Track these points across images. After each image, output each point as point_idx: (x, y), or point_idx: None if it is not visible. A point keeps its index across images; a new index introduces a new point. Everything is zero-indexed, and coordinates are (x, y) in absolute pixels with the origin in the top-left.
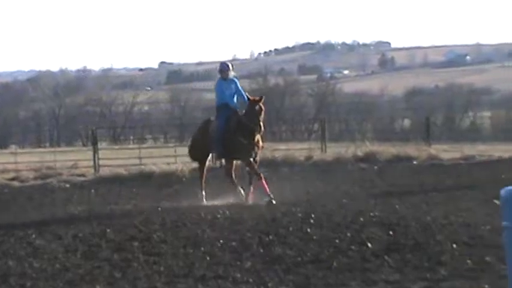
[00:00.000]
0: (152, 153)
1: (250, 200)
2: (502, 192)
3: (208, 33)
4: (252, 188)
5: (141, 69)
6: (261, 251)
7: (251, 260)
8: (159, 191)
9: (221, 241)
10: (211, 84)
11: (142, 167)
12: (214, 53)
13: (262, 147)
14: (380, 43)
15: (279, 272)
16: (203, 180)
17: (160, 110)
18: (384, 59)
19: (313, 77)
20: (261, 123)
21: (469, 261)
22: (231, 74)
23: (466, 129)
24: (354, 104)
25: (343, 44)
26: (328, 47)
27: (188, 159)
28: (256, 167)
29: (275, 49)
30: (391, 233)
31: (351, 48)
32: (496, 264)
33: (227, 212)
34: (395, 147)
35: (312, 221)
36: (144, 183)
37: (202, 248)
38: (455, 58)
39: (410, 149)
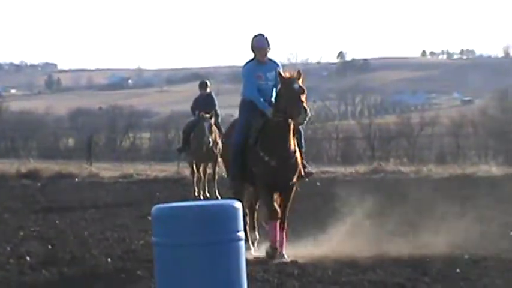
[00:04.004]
0: None
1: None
2: (153, 209)
3: None
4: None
5: None
6: None
7: None
8: None
9: None
10: None
11: None
12: None
13: (306, 172)
14: (47, 64)
15: None
16: (253, 217)
17: None
18: (50, 80)
19: None
20: (306, 107)
21: (122, 275)
22: (269, 53)
23: (127, 149)
24: (20, 122)
25: (11, 64)
26: None
27: None
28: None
29: None
30: (49, 247)
31: (18, 68)
32: (148, 278)
33: None
34: (59, 164)
35: None
36: None
37: None
38: (118, 81)
39: (72, 167)
